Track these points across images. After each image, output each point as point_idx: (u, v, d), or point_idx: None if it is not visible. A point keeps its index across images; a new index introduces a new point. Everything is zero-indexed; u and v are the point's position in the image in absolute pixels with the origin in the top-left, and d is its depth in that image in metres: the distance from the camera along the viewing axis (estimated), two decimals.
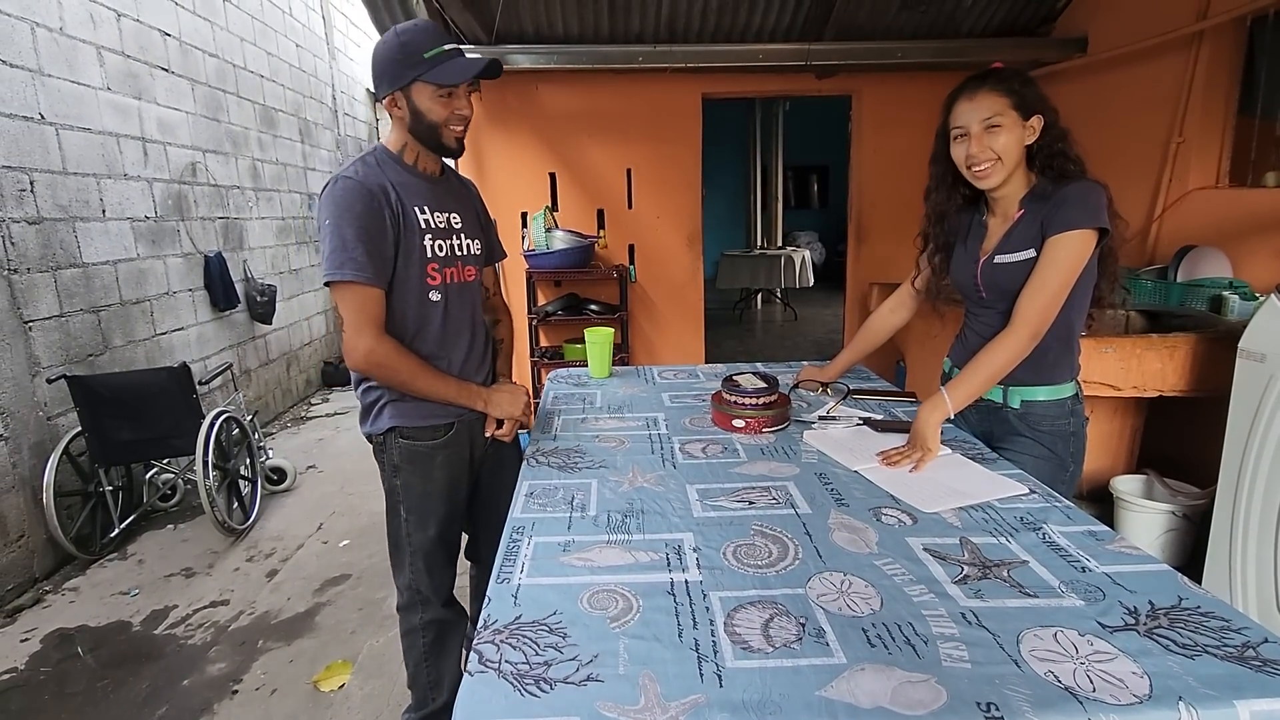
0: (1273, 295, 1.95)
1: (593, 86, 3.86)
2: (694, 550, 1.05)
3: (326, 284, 1.33)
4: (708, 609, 0.90)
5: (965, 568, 1.00)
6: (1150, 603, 0.90)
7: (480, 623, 0.88)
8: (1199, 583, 1.04)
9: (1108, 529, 1.10)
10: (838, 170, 11.57)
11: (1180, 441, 2.76)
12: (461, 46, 1.39)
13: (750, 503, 1.21)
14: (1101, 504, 2.65)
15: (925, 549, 1.05)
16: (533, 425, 1.63)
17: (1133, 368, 2.30)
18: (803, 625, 0.87)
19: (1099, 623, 0.86)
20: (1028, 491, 1.24)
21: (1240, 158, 2.84)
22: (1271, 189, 2.57)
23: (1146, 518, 2.45)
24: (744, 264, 8.02)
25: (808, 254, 8.11)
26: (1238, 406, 2.01)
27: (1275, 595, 1.92)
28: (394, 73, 1.33)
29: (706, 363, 4.47)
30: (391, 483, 1.53)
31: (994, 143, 1.36)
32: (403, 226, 1.38)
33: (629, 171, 4.07)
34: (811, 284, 8.06)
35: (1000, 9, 3.60)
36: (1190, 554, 2.43)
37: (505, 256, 1.74)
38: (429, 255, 1.42)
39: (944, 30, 3.68)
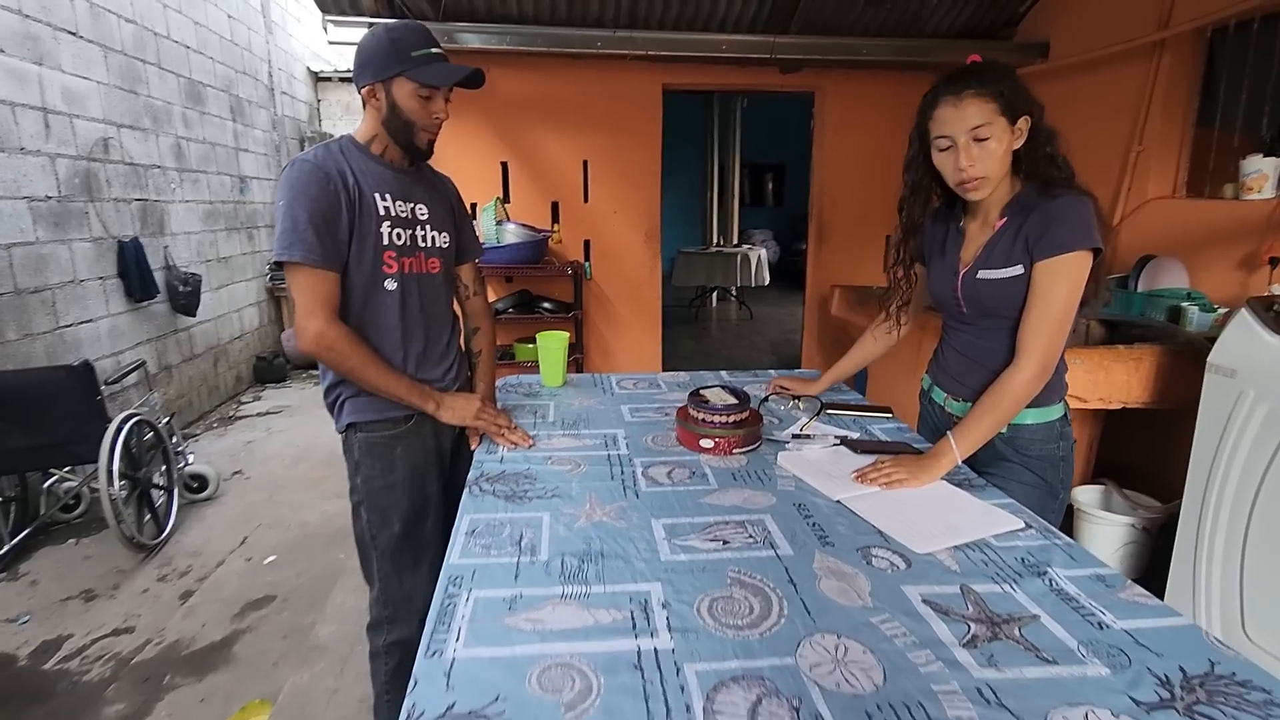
0: (1243, 309, 1.91)
1: (548, 72, 3.67)
2: (663, 606, 0.90)
3: (276, 264, 1.26)
4: (683, 687, 0.76)
5: (971, 625, 0.88)
6: (1182, 670, 0.79)
7: (404, 715, 0.71)
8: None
9: (1114, 572, 1.00)
10: (793, 169, 11.63)
11: (1135, 452, 2.76)
12: (444, 52, 1.39)
13: (725, 542, 1.07)
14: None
15: (924, 600, 0.93)
16: (506, 433, 1.49)
17: (1100, 380, 2.26)
18: (796, 709, 0.73)
19: (1131, 698, 0.75)
20: (1024, 526, 1.14)
21: (1198, 168, 2.85)
22: (1229, 200, 2.58)
23: (1107, 530, 2.42)
24: (700, 262, 7.93)
25: (764, 252, 8.08)
26: (1206, 422, 1.98)
27: (1240, 614, 1.89)
28: (379, 64, 1.33)
29: (664, 363, 4.34)
30: (353, 481, 1.47)
31: (983, 154, 1.25)
32: (358, 211, 1.35)
33: (585, 163, 3.89)
34: (767, 283, 8.03)
35: (964, 11, 3.56)
36: (1148, 566, 2.42)
37: (480, 255, 1.69)
38: (386, 243, 1.39)
39: (908, 29, 3.63)
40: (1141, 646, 0.84)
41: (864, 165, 4.02)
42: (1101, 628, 0.87)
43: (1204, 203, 2.73)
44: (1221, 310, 2.41)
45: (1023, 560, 1.03)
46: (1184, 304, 2.46)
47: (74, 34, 3.43)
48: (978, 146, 1.24)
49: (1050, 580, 0.98)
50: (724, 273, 7.84)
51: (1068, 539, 1.10)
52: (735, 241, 8.96)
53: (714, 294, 8.90)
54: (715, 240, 8.97)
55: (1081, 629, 0.87)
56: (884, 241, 4.12)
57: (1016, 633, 0.86)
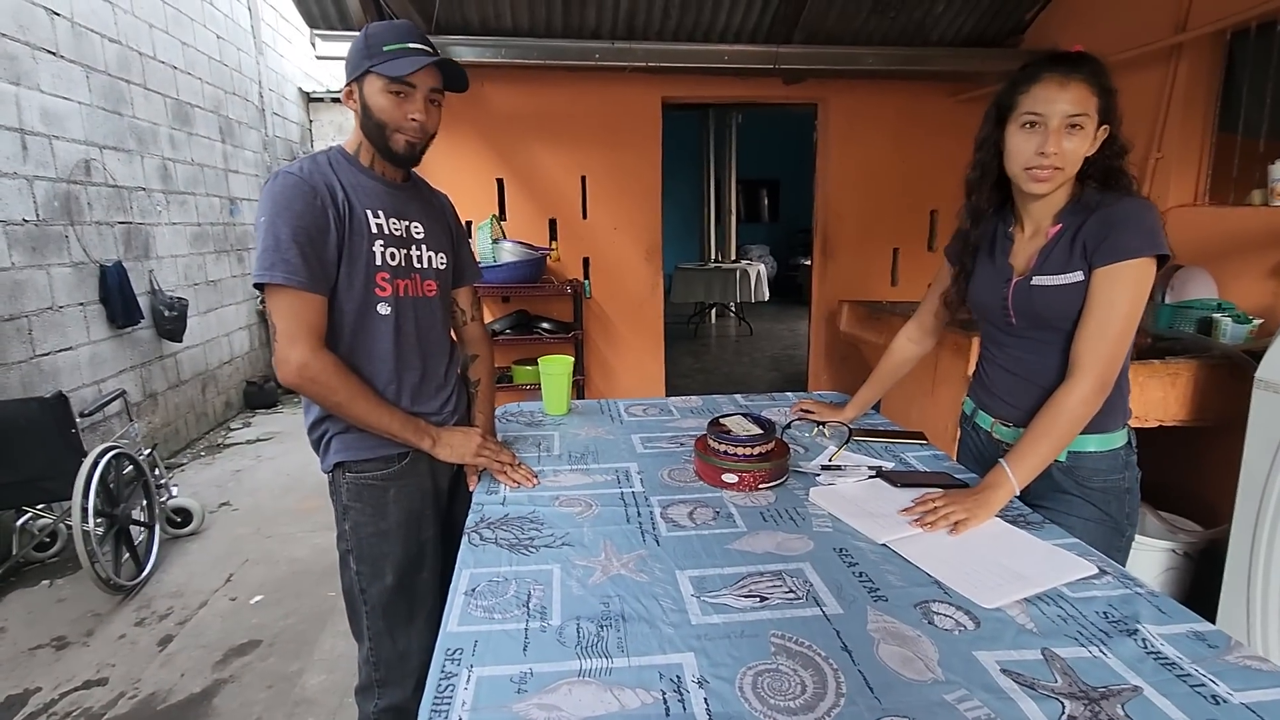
0: None
1: (545, 85, 3.58)
2: (699, 684, 0.77)
3: (256, 286, 1.19)
4: None
5: (1065, 703, 0.74)
6: None
7: None
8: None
9: (1214, 628, 0.87)
10: (788, 184, 11.59)
11: (1160, 469, 2.63)
12: (428, 50, 1.23)
13: (762, 598, 0.94)
14: None
15: (1003, 670, 0.79)
16: (509, 470, 1.35)
17: (1135, 396, 2.11)
18: None
19: None
20: (1097, 571, 1.00)
21: (1221, 175, 2.75)
22: (1257, 207, 2.47)
23: (1146, 556, 2.28)
24: (699, 278, 7.84)
25: (763, 268, 8.00)
26: (1255, 441, 1.85)
27: None
28: (353, 62, 1.23)
29: (666, 383, 4.21)
30: (341, 528, 1.33)
31: (1068, 145, 1.14)
32: (348, 229, 1.22)
33: (584, 179, 3.79)
34: (767, 298, 7.94)
35: (969, 19, 3.48)
36: (1189, 593, 2.28)
37: (479, 278, 1.56)
38: (379, 263, 1.26)
39: (912, 38, 3.55)
40: None
41: (869, 177, 3.92)
42: (1217, 702, 0.74)
43: (1229, 210, 2.63)
44: (1256, 321, 2.30)
45: (1106, 615, 0.90)
46: (1215, 315, 2.35)
47: (54, 53, 3.32)
48: (1067, 134, 1.14)
49: (1144, 641, 0.85)
50: (723, 289, 7.74)
51: (1150, 587, 0.97)
52: (733, 257, 8.88)
53: (713, 310, 8.80)
54: (714, 256, 8.89)
55: (1194, 705, 0.74)
56: (892, 255, 4.02)
57: (1120, 711, 0.73)
